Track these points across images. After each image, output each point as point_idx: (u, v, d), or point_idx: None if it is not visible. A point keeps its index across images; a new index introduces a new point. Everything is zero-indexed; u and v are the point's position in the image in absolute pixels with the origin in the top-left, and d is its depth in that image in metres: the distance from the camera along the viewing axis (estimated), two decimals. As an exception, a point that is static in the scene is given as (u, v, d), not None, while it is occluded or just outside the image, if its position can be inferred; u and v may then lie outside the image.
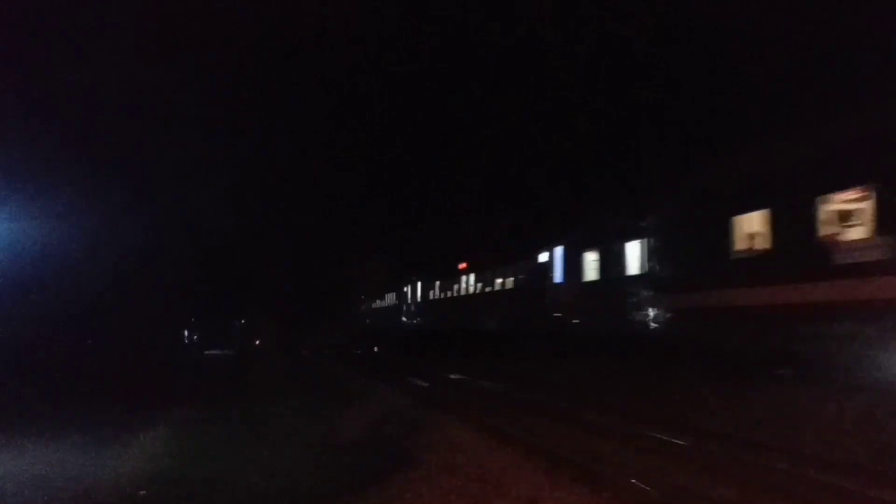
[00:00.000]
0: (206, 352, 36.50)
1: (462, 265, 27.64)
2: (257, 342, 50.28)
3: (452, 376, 17.36)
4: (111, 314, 21.69)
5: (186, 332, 37.44)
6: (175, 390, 15.75)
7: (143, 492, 6.82)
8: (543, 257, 20.69)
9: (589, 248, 18.04)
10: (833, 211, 9.71)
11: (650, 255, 14.30)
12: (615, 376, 12.96)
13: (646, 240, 14.59)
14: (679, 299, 12.85)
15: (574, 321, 18.82)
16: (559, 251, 19.76)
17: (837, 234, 9.66)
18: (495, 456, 7.84)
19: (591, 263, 18.07)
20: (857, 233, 9.36)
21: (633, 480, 6.37)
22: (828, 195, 9.70)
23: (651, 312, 14.42)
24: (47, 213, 17.11)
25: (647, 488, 6.13)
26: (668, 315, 13.39)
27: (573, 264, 18.84)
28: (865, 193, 9.17)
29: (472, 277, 27.11)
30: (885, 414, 7.82)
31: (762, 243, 11.03)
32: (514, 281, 23.42)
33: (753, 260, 11.13)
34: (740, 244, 11.46)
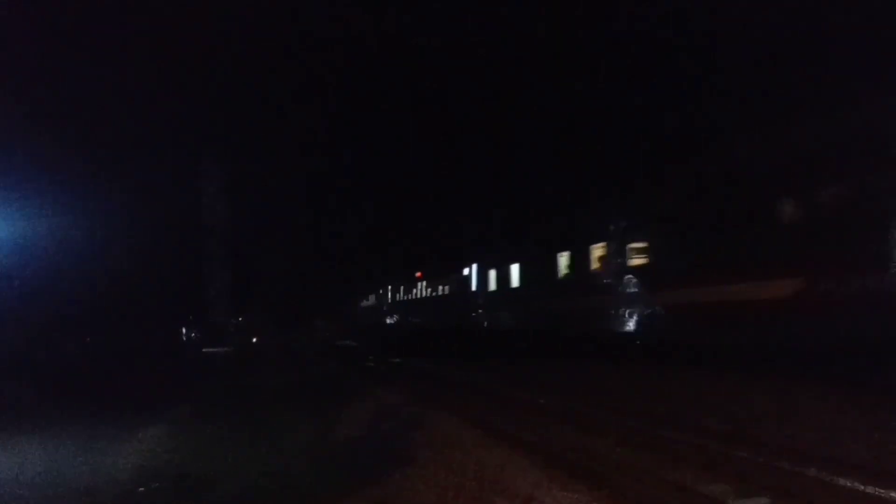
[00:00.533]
0: (205, 349, 36.48)
1: (418, 274, 35.23)
2: (255, 340, 50.29)
3: (395, 360, 23.61)
4: (110, 312, 21.70)
5: (185, 330, 37.43)
6: (173, 388, 15.76)
7: (141, 489, 6.84)
8: (466, 272, 26.97)
9: (491, 267, 24.41)
10: (597, 254, 16.53)
11: (521, 275, 21.73)
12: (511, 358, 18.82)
13: (518, 265, 21.91)
14: (535, 305, 20.34)
15: (484, 320, 25.42)
16: (475, 268, 26.08)
17: (599, 267, 16.45)
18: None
19: (493, 278, 24.35)
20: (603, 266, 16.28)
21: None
22: (593, 245, 16.63)
23: (525, 313, 21.31)
24: (46, 213, 17.12)
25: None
26: (532, 315, 20.49)
27: (483, 278, 25.26)
28: (604, 245, 16.21)
29: (423, 284, 34.22)
30: (885, 410, 7.87)
31: (568, 271, 18.16)
32: (449, 288, 30.26)
33: (566, 281, 18.21)
34: (560, 272, 18.52)
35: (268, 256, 58.10)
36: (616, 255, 15.49)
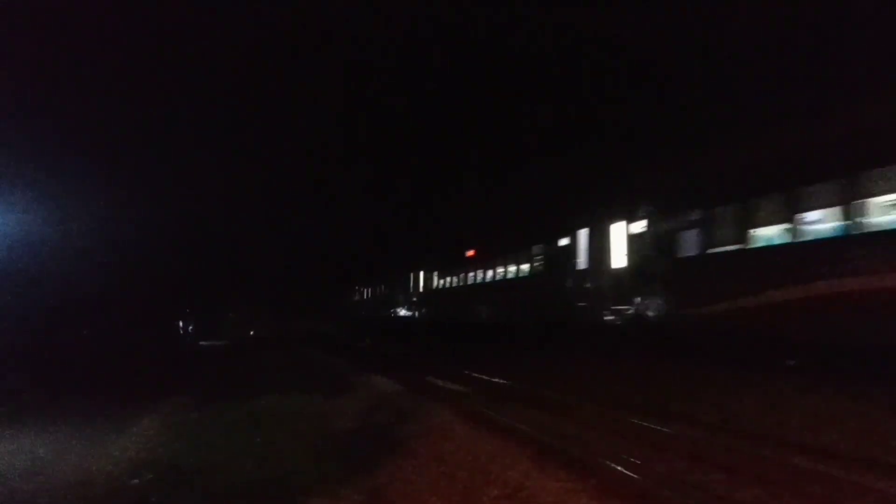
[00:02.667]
0: (201, 342, 36.49)
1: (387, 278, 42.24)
2: (251, 333, 50.30)
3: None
4: (107, 306, 21.71)
5: (181, 323, 37.42)
6: (170, 380, 15.80)
7: (135, 480, 6.89)
8: (414, 275, 34.70)
9: (430, 270, 31.99)
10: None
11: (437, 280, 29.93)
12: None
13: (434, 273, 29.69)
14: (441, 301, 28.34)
15: (424, 310, 32.76)
16: (421, 273, 33.62)
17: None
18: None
19: (431, 279, 31.73)
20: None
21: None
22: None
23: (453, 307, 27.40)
24: (43, 207, 17.12)
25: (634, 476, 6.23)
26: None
27: (427, 279, 32.56)
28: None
29: (383, 286, 42.23)
30: (872, 403, 7.95)
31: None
32: (401, 287, 37.74)
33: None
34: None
35: (265, 250, 58.11)
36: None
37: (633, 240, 14.97)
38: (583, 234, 17.11)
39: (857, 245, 9.57)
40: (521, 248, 21.01)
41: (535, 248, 20.12)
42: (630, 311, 15.00)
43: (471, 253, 25.97)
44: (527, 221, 22.47)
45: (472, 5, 41.99)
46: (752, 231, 11.35)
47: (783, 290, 10.48)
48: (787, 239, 10.67)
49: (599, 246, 16.27)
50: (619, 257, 15.49)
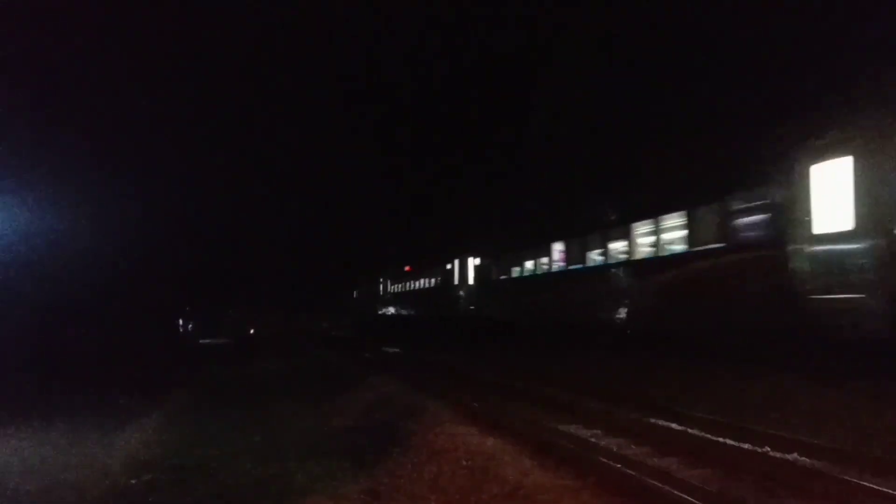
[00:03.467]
0: (201, 340, 36.53)
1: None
2: (252, 331, 50.34)
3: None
4: (106, 304, 21.68)
5: (181, 321, 37.44)
6: (169, 378, 15.80)
7: (133, 480, 6.87)
8: (381, 284, 41.73)
9: (390, 278, 39.05)
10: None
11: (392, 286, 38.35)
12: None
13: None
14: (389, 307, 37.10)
15: (384, 312, 40.19)
16: (382, 282, 41.22)
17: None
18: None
19: (389, 285, 39.47)
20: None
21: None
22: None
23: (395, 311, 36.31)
24: (44, 205, 17.09)
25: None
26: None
27: (388, 285, 39.91)
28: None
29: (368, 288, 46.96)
30: (869, 399, 7.92)
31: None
32: (371, 292, 44.53)
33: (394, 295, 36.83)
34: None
35: (265, 248, 58.15)
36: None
37: (475, 268, 25.24)
38: (457, 263, 26.77)
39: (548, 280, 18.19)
40: (432, 267, 30.53)
41: (436, 269, 29.51)
42: (474, 311, 24.68)
43: (408, 268, 35.51)
44: (434, 249, 31.94)
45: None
46: (513, 269, 20.73)
47: (526, 299, 19.59)
48: (530, 273, 19.48)
49: (462, 270, 26.25)
50: (470, 278, 25.59)
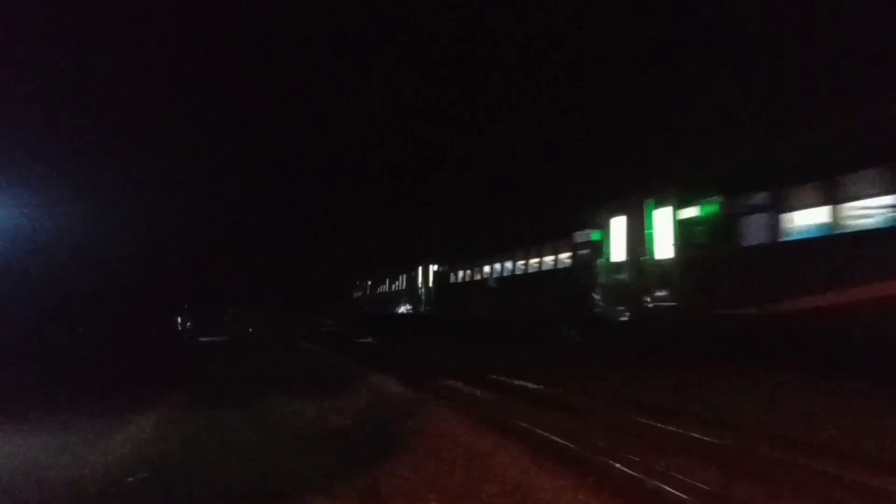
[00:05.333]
0: (200, 339, 36.47)
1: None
2: (251, 329, 50.33)
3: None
4: (103, 302, 21.66)
5: (179, 319, 37.41)
6: (166, 377, 15.75)
7: (130, 479, 6.84)
8: (369, 287, 46.96)
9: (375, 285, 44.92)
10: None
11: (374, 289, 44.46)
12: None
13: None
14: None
15: (374, 311, 43.89)
16: (371, 285, 46.44)
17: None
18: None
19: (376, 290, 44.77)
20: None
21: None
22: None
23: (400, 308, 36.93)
24: (40, 203, 17.06)
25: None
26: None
27: (373, 290, 45.71)
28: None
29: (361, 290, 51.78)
30: (865, 397, 7.90)
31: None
32: (364, 293, 49.96)
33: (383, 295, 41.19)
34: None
35: (265, 246, 58.15)
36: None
37: (435, 274, 31.34)
38: (420, 270, 33.67)
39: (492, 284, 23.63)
40: (403, 272, 37.19)
41: (409, 274, 35.86)
42: (431, 309, 31.10)
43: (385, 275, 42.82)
44: (403, 260, 37.77)
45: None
46: (459, 275, 27.65)
47: (466, 300, 26.39)
48: (468, 279, 26.46)
49: (425, 277, 32.87)
50: (430, 281, 32.06)
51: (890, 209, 9.19)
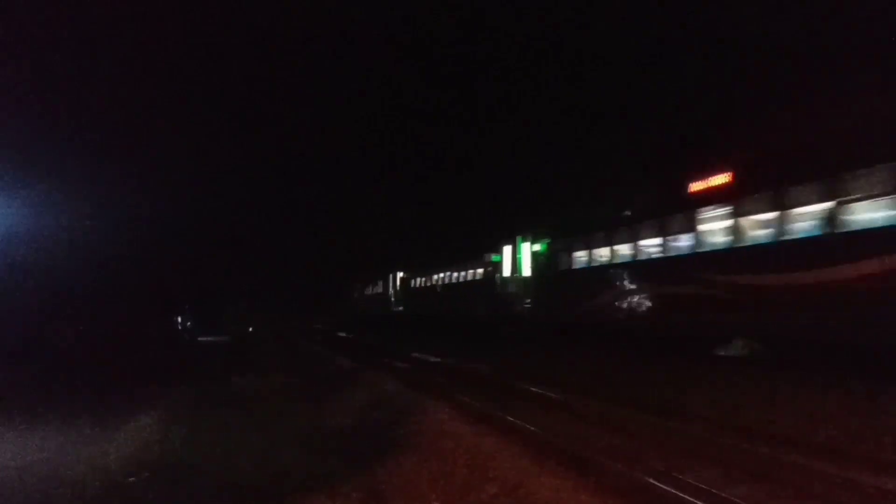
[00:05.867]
0: (200, 338, 36.46)
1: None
2: (250, 329, 50.29)
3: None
4: (103, 301, 21.65)
5: (179, 319, 37.38)
6: (168, 377, 15.75)
7: (132, 478, 6.84)
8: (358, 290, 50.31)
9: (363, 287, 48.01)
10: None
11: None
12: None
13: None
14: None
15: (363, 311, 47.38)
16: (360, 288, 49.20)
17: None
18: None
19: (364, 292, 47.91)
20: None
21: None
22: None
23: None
24: (41, 203, 17.05)
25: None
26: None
27: (362, 292, 48.65)
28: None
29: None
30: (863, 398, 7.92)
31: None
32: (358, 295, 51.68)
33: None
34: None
35: (266, 244, 58.15)
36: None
37: (401, 280, 37.06)
38: (391, 278, 38.88)
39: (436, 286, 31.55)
40: (381, 277, 41.64)
41: (385, 280, 40.62)
42: (402, 309, 36.73)
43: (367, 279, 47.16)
44: (383, 266, 41.73)
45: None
46: (418, 280, 33.94)
47: (422, 301, 33.13)
48: (424, 285, 33.25)
49: (394, 282, 38.46)
50: (397, 285, 37.56)
51: (608, 255, 16.15)
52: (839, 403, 7.81)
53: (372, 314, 43.34)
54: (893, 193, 8.79)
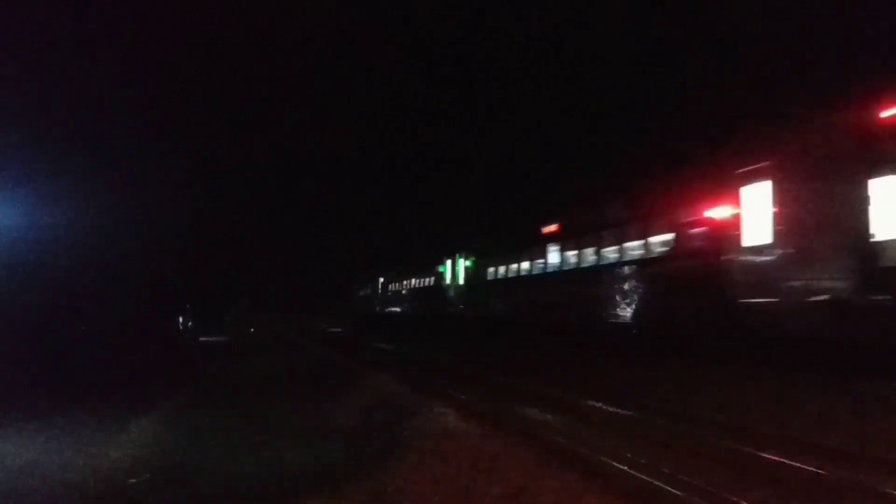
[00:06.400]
0: (201, 338, 36.44)
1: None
2: (252, 329, 50.31)
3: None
4: (104, 301, 21.61)
5: (181, 319, 37.36)
6: (169, 377, 15.72)
7: (132, 480, 6.78)
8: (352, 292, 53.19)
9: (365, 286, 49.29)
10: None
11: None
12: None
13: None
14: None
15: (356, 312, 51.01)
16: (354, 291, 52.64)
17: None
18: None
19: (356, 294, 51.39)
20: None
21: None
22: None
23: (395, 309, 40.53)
24: (42, 202, 17.02)
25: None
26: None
27: (355, 294, 51.20)
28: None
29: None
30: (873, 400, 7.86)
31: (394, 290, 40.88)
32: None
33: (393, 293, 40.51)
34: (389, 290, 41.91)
35: (267, 243, 58.14)
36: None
37: (381, 284, 41.47)
38: (380, 281, 41.99)
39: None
40: (368, 282, 45.69)
41: (371, 284, 44.68)
42: (380, 309, 41.60)
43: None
44: (368, 274, 46.00)
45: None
46: (394, 285, 39.06)
47: (398, 301, 38.53)
48: (397, 289, 38.80)
49: (375, 286, 42.48)
50: (379, 289, 41.48)
51: (504, 272, 21.91)
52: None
53: (363, 314, 47.63)
54: (622, 242, 14.92)
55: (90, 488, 6.56)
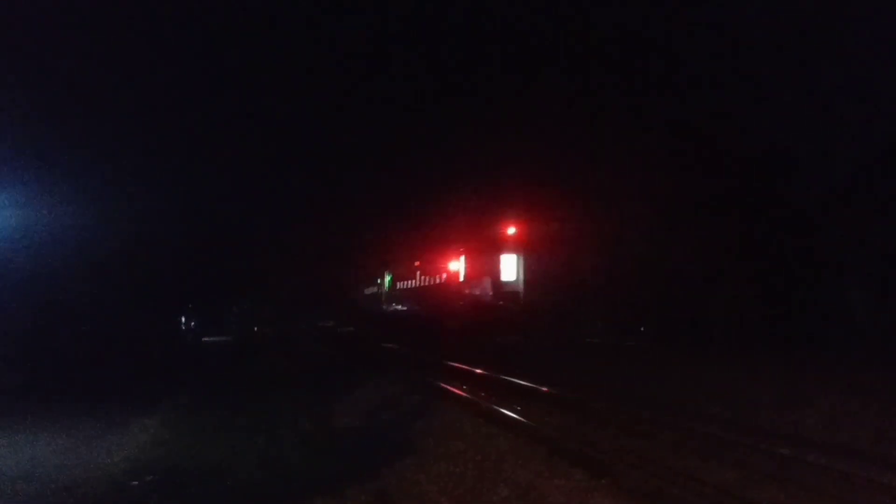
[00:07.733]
0: (204, 339, 36.46)
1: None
2: (255, 329, 50.33)
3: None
4: (106, 301, 21.57)
5: (183, 319, 37.37)
6: (172, 378, 15.67)
7: (134, 482, 6.72)
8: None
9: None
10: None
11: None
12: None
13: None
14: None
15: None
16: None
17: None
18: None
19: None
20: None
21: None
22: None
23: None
24: (43, 203, 16.96)
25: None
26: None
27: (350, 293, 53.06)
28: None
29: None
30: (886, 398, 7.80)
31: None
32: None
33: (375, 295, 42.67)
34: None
35: (269, 243, 58.04)
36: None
37: (369, 292, 43.02)
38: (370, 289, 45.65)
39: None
40: (364, 284, 46.25)
41: (364, 289, 46.05)
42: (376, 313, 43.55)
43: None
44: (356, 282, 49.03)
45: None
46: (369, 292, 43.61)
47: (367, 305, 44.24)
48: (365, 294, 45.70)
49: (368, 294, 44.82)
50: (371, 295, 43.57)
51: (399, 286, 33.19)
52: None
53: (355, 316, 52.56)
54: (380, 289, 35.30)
55: (92, 490, 6.49)
